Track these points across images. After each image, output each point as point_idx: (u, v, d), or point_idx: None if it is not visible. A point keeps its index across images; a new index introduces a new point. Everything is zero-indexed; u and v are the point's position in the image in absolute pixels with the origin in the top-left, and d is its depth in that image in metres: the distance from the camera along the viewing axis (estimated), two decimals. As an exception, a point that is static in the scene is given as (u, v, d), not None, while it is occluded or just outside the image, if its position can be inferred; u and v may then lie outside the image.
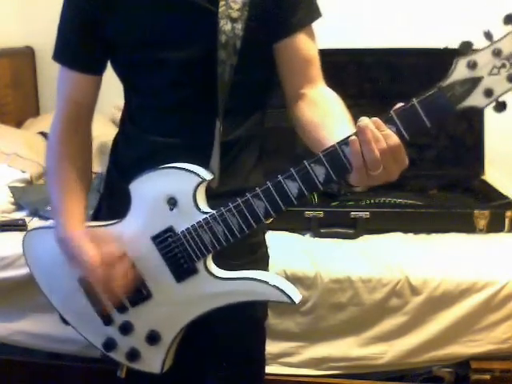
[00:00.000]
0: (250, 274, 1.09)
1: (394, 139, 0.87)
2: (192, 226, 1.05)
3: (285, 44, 1.12)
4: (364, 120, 0.88)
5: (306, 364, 1.87)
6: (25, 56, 3.09)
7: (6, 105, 2.92)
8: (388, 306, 1.81)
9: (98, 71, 1.17)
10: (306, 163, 0.95)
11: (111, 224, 1.14)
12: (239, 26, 1.05)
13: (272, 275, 1.10)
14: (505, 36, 0.82)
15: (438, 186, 2.45)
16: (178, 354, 1.18)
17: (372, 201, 2.23)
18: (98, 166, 2.35)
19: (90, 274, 1.10)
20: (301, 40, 1.12)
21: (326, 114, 1.06)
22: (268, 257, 1.30)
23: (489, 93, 0.84)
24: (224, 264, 1.10)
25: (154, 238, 1.09)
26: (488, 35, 0.83)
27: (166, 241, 1.08)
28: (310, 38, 1.14)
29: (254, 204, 1.00)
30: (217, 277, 1.08)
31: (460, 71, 0.85)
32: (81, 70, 1.14)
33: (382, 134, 0.87)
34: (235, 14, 1.05)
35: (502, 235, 2.04)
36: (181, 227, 1.07)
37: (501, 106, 0.85)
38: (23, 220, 2.01)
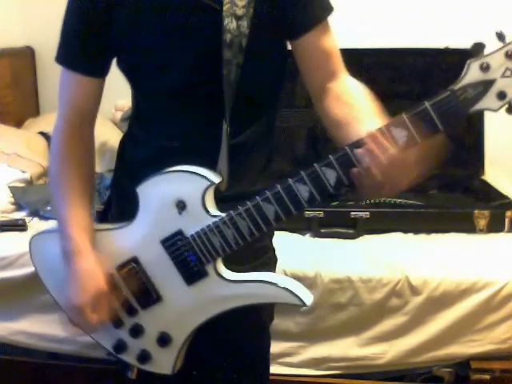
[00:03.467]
0: (260, 276, 1.08)
1: (394, 150, 0.87)
2: (202, 229, 1.05)
3: (304, 40, 1.09)
4: (365, 141, 0.88)
5: (306, 364, 1.87)
6: (25, 56, 3.09)
7: (6, 105, 2.92)
8: (388, 306, 1.81)
9: (101, 74, 1.15)
10: (317, 166, 0.94)
11: (119, 228, 1.14)
12: (244, 23, 1.03)
13: (283, 277, 1.10)
14: None
15: (438, 186, 2.45)
16: (185, 355, 1.18)
17: (372, 201, 2.23)
18: (98, 166, 2.35)
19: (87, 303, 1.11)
20: (319, 34, 1.09)
21: (351, 112, 1.03)
22: (275, 260, 1.29)
23: (502, 95, 0.83)
24: (229, 269, 1.10)
25: (163, 242, 1.09)
26: (500, 36, 0.82)
27: (175, 244, 1.08)
28: (327, 30, 1.11)
29: (263, 208, 0.99)
30: (227, 279, 1.08)
31: (473, 74, 0.84)
32: (84, 72, 1.13)
33: (384, 145, 0.88)
34: (240, 12, 1.03)
35: (502, 235, 2.04)
36: (190, 231, 1.06)
37: None
38: (23, 220, 2.01)
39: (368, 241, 2.02)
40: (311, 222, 2.04)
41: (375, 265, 1.85)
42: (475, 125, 2.47)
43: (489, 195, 2.27)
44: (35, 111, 3.19)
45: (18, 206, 2.16)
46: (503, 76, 0.82)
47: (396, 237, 2.04)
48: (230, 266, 1.10)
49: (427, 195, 2.38)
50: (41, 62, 3.13)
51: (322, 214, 2.03)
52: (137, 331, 1.16)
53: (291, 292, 1.05)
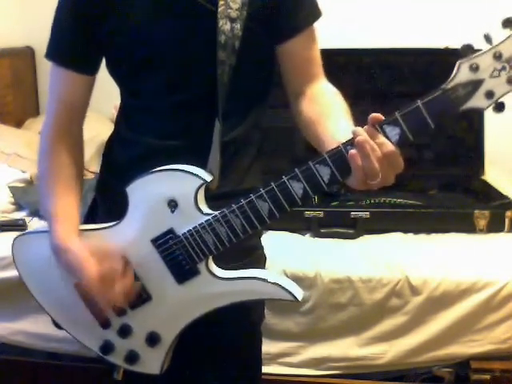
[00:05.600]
0: (251, 273, 1.08)
1: (389, 147, 0.89)
2: (194, 227, 1.04)
3: (287, 45, 1.12)
4: (359, 133, 0.89)
5: (306, 364, 1.87)
6: (25, 56, 3.10)
7: (6, 105, 2.92)
8: (388, 306, 1.81)
9: (92, 71, 1.16)
10: (311, 163, 0.94)
11: (108, 227, 1.13)
12: (238, 26, 1.05)
13: (273, 274, 1.10)
14: (505, 40, 0.84)
15: (438, 186, 2.45)
16: (175, 354, 1.17)
17: (372, 201, 2.23)
18: (97, 166, 2.35)
19: (88, 287, 1.08)
20: (303, 40, 1.12)
21: (323, 111, 1.07)
22: (265, 258, 1.30)
23: (490, 94, 0.86)
24: (218, 267, 1.10)
25: (154, 241, 1.08)
26: (488, 38, 0.85)
27: (166, 243, 1.07)
28: (311, 37, 1.14)
29: (257, 205, 0.99)
30: (219, 277, 1.08)
31: (463, 74, 0.86)
32: (74, 68, 1.13)
33: (377, 143, 0.88)
34: (234, 14, 1.05)
35: (502, 235, 2.04)
36: (182, 229, 1.06)
37: (500, 107, 0.87)
38: (23, 220, 2.01)
39: (368, 241, 2.02)
40: (311, 222, 2.04)
41: (375, 265, 1.85)
42: (475, 125, 2.47)
43: (489, 195, 2.27)
44: (35, 111, 3.19)
45: (18, 206, 2.16)
46: (491, 76, 0.85)
47: (396, 237, 2.04)
48: (219, 264, 1.10)
49: (427, 195, 2.38)
50: (41, 62, 3.13)
51: (321, 214, 2.03)
52: (125, 331, 1.15)
53: (282, 287, 1.05)
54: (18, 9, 3.05)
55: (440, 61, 2.40)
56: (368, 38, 2.63)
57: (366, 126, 0.90)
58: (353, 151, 0.89)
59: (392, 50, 2.54)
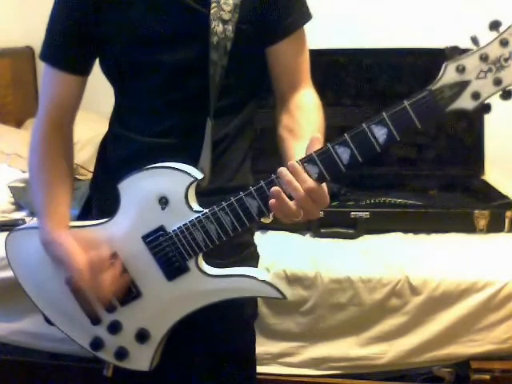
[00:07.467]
0: (240, 270, 1.10)
1: (311, 184, 0.92)
2: (184, 224, 1.06)
3: (277, 48, 1.14)
4: (280, 175, 0.93)
5: (306, 364, 1.87)
6: (25, 56, 3.09)
7: (6, 105, 2.92)
8: (388, 306, 1.81)
9: (85, 72, 1.17)
10: (300, 162, 0.96)
11: (100, 224, 1.14)
12: (230, 27, 1.07)
13: (262, 271, 1.12)
14: (491, 42, 0.86)
15: (438, 186, 2.45)
16: (167, 353, 1.18)
17: (372, 201, 2.23)
18: (98, 166, 2.35)
19: (77, 278, 1.09)
20: (292, 44, 1.14)
21: (294, 128, 1.10)
22: (257, 256, 1.30)
23: (476, 95, 0.87)
24: (210, 263, 1.11)
25: (145, 238, 1.09)
26: (475, 41, 0.87)
27: (156, 240, 1.09)
28: (301, 40, 1.16)
29: (247, 202, 1.00)
30: (208, 274, 1.09)
31: (449, 75, 0.88)
32: (67, 69, 1.14)
33: (299, 180, 0.92)
34: (226, 16, 1.07)
35: (502, 235, 2.04)
36: (172, 226, 1.07)
37: (486, 109, 0.89)
38: (23, 220, 2.01)
39: (368, 241, 2.02)
40: (311, 222, 2.04)
41: (375, 265, 1.85)
42: (475, 125, 2.47)
43: (489, 195, 2.27)
44: (35, 111, 3.18)
45: (18, 206, 2.16)
46: (478, 77, 0.87)
47: (396, 237, 2.04)
48: (210, 260, 1.11)
49: (427, 195, 2.38)
50: (41, 62, 3.12)
51: (322, 214, 2.02)
52: (115, 328, 1.16)
53: (271, 285, 1.07)
54: (18, 9, 3.04)
55: (440, 61, 2.40)
56: (368, 37, 2.63)
57: (290, 163, 0.94)
58: (272, 200, 0.94)
59: (392, 50, 2.54)
